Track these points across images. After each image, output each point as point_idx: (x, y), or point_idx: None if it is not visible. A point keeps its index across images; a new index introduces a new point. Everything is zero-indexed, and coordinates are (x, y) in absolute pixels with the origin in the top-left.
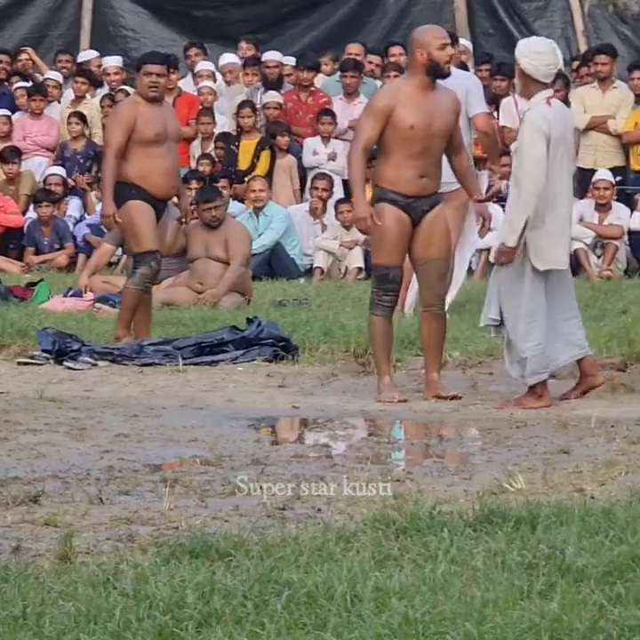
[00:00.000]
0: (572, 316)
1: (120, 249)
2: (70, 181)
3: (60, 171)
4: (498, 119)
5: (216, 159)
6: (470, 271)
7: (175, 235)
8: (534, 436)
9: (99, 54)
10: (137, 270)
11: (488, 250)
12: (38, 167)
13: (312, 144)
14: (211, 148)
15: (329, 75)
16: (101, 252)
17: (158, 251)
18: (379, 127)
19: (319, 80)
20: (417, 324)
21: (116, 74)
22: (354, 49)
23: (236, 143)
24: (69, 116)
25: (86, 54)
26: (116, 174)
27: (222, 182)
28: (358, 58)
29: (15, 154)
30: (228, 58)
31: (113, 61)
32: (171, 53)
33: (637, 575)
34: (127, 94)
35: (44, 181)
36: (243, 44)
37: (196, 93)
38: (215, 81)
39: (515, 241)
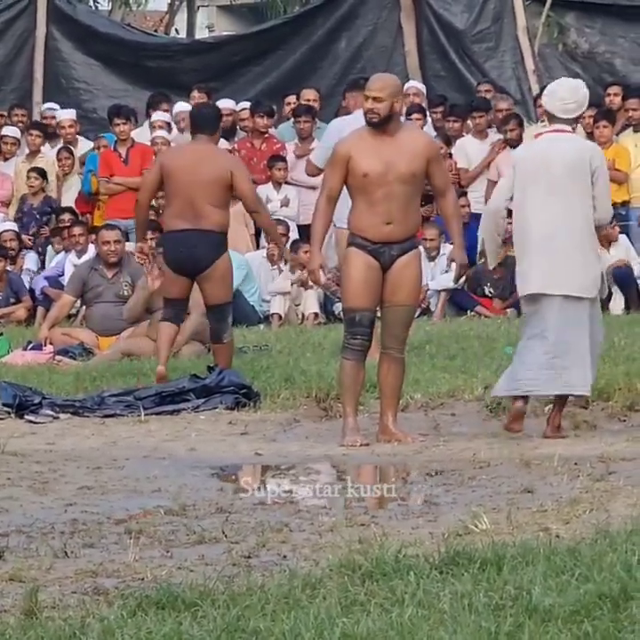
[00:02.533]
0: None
1: (79, 301)
2: (25, 237)
3: (13, 226)
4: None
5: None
6: (429, 312)
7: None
8: (498, 476)
9: (58, 107)
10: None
11: (446, 291)
12: None
13: (264, 191)
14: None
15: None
16: (61, 304)
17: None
18: (338, 175)
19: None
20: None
21: (70, 126)
22: (308, 94)
23: None
24: (29, 171)
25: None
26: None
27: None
28: (314, 103)
29: None
30: (181, 106)
31: (67, 114)
32: (124, 104)
33: (604, 613)
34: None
35: None
36: (195, 93)
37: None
38: (170, 131)
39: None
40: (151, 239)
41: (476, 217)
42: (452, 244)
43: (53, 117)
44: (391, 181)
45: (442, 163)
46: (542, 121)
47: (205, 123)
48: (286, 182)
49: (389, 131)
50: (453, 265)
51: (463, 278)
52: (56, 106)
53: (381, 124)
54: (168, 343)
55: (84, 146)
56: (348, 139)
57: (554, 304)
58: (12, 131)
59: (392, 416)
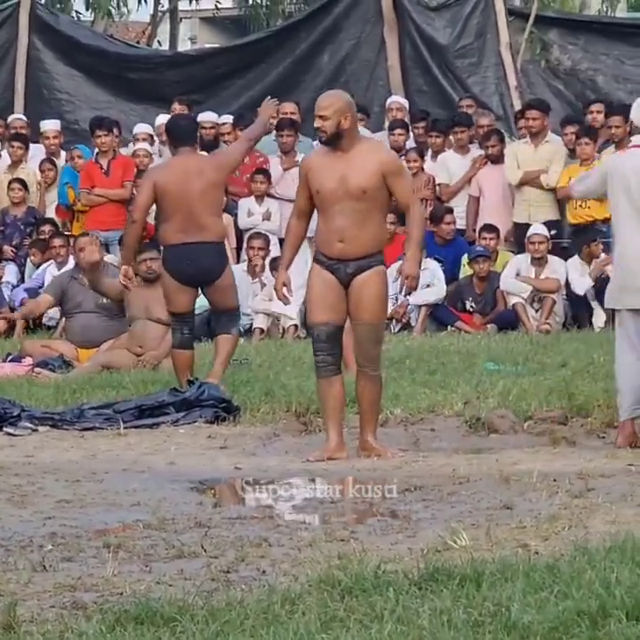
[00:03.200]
0: None
1: (58, 311)
2: (7, 248)
3: None
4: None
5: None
6: (410, 327)
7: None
8: (477, 492)
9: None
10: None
11: (426, 306)
12: None
13: (246, 204)
14: None
15: None
16: (39, 300)
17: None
18: (303, 193)
19: None
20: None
21: (54, 137)
22: (288, 108)
23: None
24: (10, 183)
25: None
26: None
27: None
28: (293, 116)
29: None
30: (163, 119)
31: (51, 125)
32: (106, 116)
33: (583, 630)
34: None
35: None
36: (176, 105)
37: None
38: (153, 143)
39: None
40: (150, 259)
41: (461, 232)
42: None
43: (22, 127)
44: (342, 198)
45: (402, 177)
46: (523, 137)
47: (186, 135)
48: (268, 195)
49: (343, 147)
50: (435, 281)
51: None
52: (22, 116)
53: (331, 142)
54: (187, 372)
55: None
56: (309, 156)
57: None
58: None
59: (371, 431)
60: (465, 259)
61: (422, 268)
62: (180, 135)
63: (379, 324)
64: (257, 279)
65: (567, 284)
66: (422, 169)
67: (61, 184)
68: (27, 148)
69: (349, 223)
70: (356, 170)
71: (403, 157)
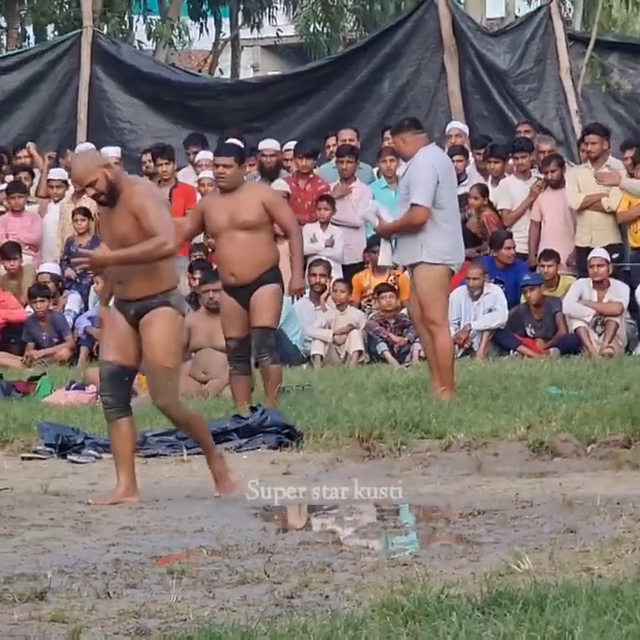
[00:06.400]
0: None
1: None
2: (71, 274)
3: (51, 268)
4: (487, 200)
5: (209, 249)
6: (472, 352)
7: None
8: (540, 516)
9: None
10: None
11: (489, 330)
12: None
13: (311, 230)
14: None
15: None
16: None
17: (230, 338)
18: None
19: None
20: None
21: (115, 164)
22: (348, 135)
23: None
24: (74, 212)
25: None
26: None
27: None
28: (352, 143)
29: (16, 249)
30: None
31: (112, 152)
32: (167, 144)
33: None
34: None
35: (36, 278)
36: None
37: (194, 183)
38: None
39: None
40: (212, 290)
41: (523, 257)
42: (496, 282)
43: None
44: (111, 246)
45: (146, 214)
46: (584, 161)
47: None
48: (332, 223)
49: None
50: (498, 305)
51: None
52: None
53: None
54: (247, 398)
55: None
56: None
57: None
58: (58, 173)
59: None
60: None
61: (484, 292)
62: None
63: (158, 370)
64: (320, 305)
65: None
66: (486, 205)
67: None
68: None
69: (123, 266)
70: (119, 217)
71: (462, 185)
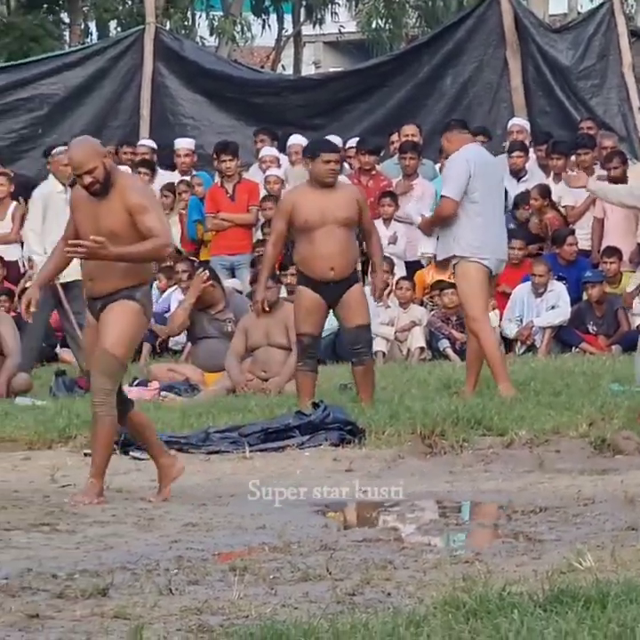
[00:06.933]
0: None
1: (185, 336)
2: None
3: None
4: (550, 199)
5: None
6: (535, 348)
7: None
8: (602, 514)
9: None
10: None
11: (551, 327)
12: None
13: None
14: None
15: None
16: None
17: (306, 334)
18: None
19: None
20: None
21: (186, 155)
22: (410, 131)
23: None
24: None
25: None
26: (273, 261)
27: (291, 269)
28: (415, 139)
29: None
30: (296, 139)
31: (184, 143)
32: (231, 141)
33: None
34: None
35: None
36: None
37: (256, 179)
38: (279, 166)
39: None
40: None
41: (585, 254)
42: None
43: (147, 153)
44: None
45: (145, 212)
46: None
47: None
48: (394, 219)
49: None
50: (560, 302)
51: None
52: (149, 142)
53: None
54: (311, 395)
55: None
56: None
57: None
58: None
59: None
60: None
61: (548, 289)
62: None
63: (112, 356)
64: (382, 302)
65: None
66: (548, 205)
67: (190, 220)
68: (153, 174)
69: (93, 263)
70: (109, 211)
71: (523, 182)
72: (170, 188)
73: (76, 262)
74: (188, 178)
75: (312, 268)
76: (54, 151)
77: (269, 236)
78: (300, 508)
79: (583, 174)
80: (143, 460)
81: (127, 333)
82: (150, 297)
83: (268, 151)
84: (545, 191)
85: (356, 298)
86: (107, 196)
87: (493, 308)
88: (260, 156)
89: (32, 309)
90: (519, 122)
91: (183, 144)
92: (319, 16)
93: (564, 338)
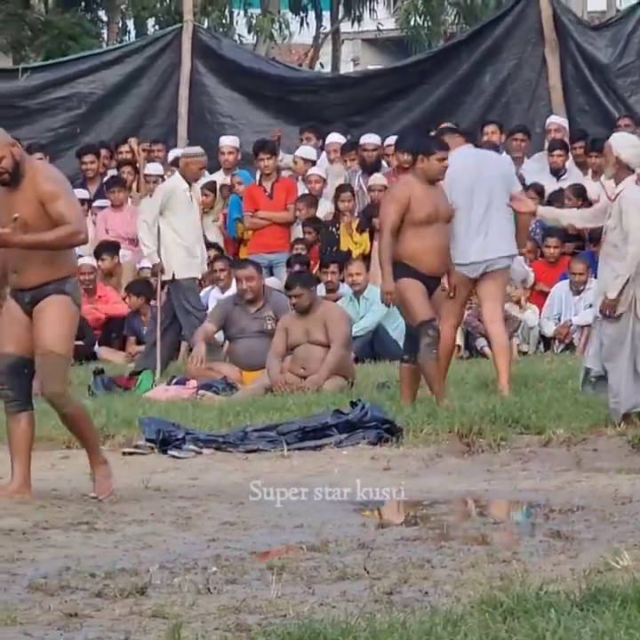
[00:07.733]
0: None
1: (222, 334)
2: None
3: (148, 263)
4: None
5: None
6: (572, 347)
7: None
8: (639, 513)
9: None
10: (421, 343)
11: (588, 326)
12: (122, 259)
13: None
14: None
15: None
16: (202, 336)
17: (433, 319)
18: None
19: None
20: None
21: (229, 153)
22: (489, 129)
23: (336, 226)
24: None
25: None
26: (392, 252)
27: (332, 267)
28: (494, 138)
29: (111, 248)
30: (334, 137)
31: (228, 140)
32: (268, 139)
33: None
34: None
35: (137, 273)
36: (306, 134)
37: (292, 175)
38: (314, 163)
39: (615, 295)
40: None
41: None
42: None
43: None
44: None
45: (56, 199)
46: None
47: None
48: None
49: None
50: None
51: None
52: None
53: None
54: (411, 388)
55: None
56: None
57: None
58: (154, 168)
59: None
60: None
61: (586, 288)
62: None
63: (57, 355)
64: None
65: None
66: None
67: (231, 219)
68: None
69: (17, 254)
70: (21, 200)
71: (562, 180)
72: (210, 186)
73: None
74: (228, 182)
75: (423, 262)
76: (188, 151)
77: (382, 226)
78: (337, 506)
79: (529, 201)
80: (181, 458)
81: (65, 329)
82: (78, 287)
83: (303, 152)
84: (579, 191)
85: (442, 295)
86: (19, 186)
87: (525, 306)
88: (297, 154)
89: None
90: (557, 120)
91: (227, 142)
92: (357, 13)
93: None
